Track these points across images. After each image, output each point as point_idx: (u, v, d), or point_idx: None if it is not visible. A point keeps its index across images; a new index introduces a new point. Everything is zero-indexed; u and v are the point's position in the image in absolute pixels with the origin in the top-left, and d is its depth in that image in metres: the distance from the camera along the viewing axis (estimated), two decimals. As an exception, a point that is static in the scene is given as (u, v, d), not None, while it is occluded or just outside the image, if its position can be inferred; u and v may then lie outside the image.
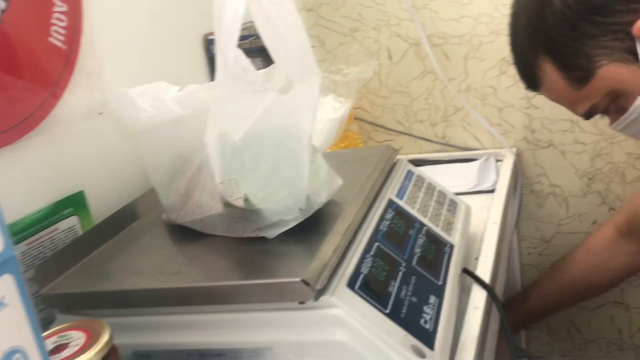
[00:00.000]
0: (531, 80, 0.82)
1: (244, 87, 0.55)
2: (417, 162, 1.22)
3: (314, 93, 0.58)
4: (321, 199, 0.61)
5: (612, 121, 0.78)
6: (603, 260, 1.04)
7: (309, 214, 0.59)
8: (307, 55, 0.58)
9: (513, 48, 0.83)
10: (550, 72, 0.77)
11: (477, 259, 0.79)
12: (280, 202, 0.58)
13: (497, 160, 1.19)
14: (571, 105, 0.80)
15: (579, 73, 0.74)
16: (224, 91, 0.54)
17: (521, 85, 1.17)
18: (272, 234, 0.58)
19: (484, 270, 0.74)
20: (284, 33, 0.57)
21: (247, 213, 0.58)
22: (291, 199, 0.58)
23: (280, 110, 0.58)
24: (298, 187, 0.58)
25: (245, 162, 0.57)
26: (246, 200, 0.56)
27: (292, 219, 0.58)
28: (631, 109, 0.72)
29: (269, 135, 0.58)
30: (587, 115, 0.79)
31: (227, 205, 0.57)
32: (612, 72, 0.71)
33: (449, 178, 1.13)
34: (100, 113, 0.75)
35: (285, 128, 0.59)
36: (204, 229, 0.63)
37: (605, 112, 0.78)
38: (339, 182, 0.65)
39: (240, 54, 0.54)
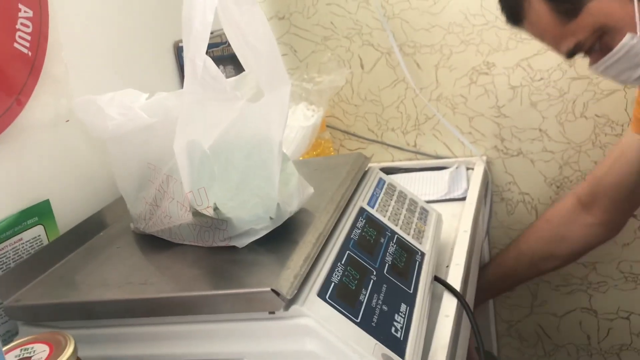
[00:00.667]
0: (515, 12, 0.79)
1: (214, 95, 0.55)
2: (389, 170, 1.23)
3: (284, 101, 0.57)
4: (292, 207, 0.61)
5: (594, 61, 0.76)
6: (562, 231, 1.04)
7: (280, 222, 0.59)
8: (277, 64, 0.57)
9: None
10: (537, 4, 0.74)
11: (448, 266, 0.79)
12: (251, 211, 0.57)
13: (468, 169, 1.20)
14: (555, 42, 0.77)
15: (567, 6, 0.71)
16: (193, 99, 0.54)
17: (491, 95, 1.20)
18: (242, 243, 0.57)
19: (455, 278, 0.75)
20: (254, 41, 0.57)
21: (217, 222, 0.57)
22: (261, 207, 0.58)
23: (250, 119, 0.58)
24: (268, 196, 0.58)
25: (214, 171, 0.57)
26: (216, 209, 0.55)
27: (263, 228, 0.58)
28: (618, 46, 0.70)
29: (239, 144, 0.58)
30: (570, 54, 0.76)
31: (197, 214, 0.56)
32: (602, 6, 0.69)
33: (420, 186, 1.15)
34: (67, 121, 0.74)
35: (255, 136, 0.58)
36: (173, 238, 0.63)
37: (588, 51, 0.76)
38: (310, 190, 0.65)
39: (210, 62, 0.53)
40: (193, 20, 0.52)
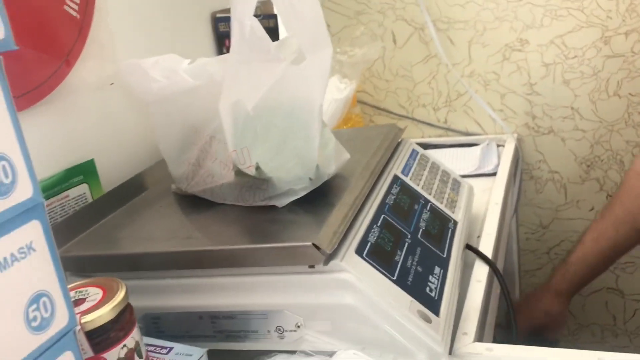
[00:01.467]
0: None
1: (259, 56, 0.56)
2: (420, 146, 1.23)
3: (326, 64, 0.59)
4: (330, 170, 0.62)
5: None
6: None
7: (319, 183, 0.61)
8: (320, 27, 0.58)
9: None
10: None
11: (479, 237, 0.80)
12: (291, 171, 0.59)
13: (499, 146, 1.21)
14: None
15: None
16: (239, 59, 0.55)
17: (524, 72, 1.19)
18: (282, 202, 0.59)
19: (486, 247, 0.76)
20: (298, 4, 0.58)
21: (258, 182, 0.59)
22: (301, 168, 0.59)
23: (291, 81, 0.59)
24: (308, 157, 0.59)
25: (257, 131, 0.58)
26: (257, 168, 0.57)
27: (302, 188, 0.59)
28: None
29: (280, 105, 0.59)
30: None
31: (239, 173, 0.58)
32: None
33: (451, 161, 1.15)
34: (112, 84, 0.76)
35: (296, 98, 0.60)
36: (215, 198, 0.64)
37: None
38: (347, 155, 0.66)
39: (256, 23, 0.55)
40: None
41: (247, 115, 0.58)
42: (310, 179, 0.60)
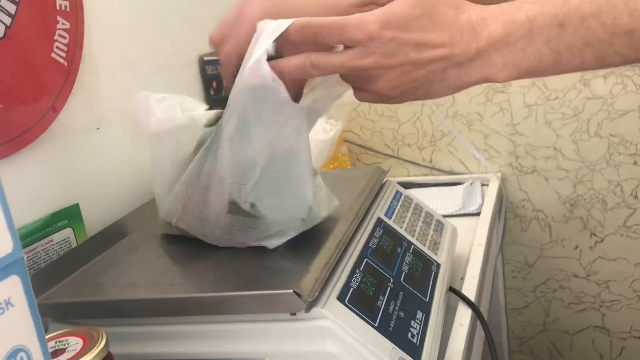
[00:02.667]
0: None
1: (270, 112, 0.57)
2: (405, 185, 1.24)
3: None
4: (322, 213, 0.63)
5: None
6: None
7: (310, 225, 0.61)
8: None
9: None
10: None
11: (462, 278, 0.81)
12: (284, 211, 0.60)
13: (483, 185, 1.22)
14: None
15: None
16: (252, 111, 0.56)
17: (506, 113, 1.22)
18: (272, 244, 0.60)
19: (470, 290, 0.76)
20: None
21: (249, 221, 0.60)
22: (295, 209, 0.60)
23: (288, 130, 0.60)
24: (302, 199, 0.60)
25: (256, 174, 0.58)
26: (253, 205, 0.58)
27: (294, 229, 0.60)
28: None
29: (277, 152, 0.60)
30: None
31: (233, 207, 0.59)
32: None
33: (435, 201, 1.17)
34: (98, 128, 0.77)
35: (291, 146, 0.60)
36: (205, 237, 0.64)
37: None
38: (336, 202, 0.67)
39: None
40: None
41: (250, 157, 0.58)
42: (302, 219, 0.60)
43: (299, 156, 0.59)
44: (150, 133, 0.65)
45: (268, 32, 0.53)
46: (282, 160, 0.59)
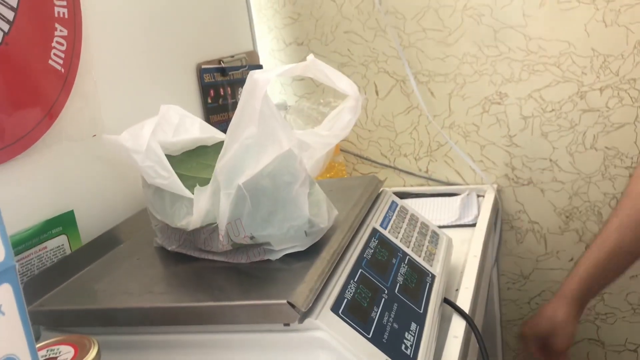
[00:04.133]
0: None
1: (268, 139, 0.57)
2: (401, 195, 1.24)
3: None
4: (324, 224, 0.62)
5: None
6: None
7: (316, 239, 0.61)
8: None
9: None
10: None
11: (457, 290, 0.81)
12: (285, 232, 0.59)
13: (479, 196, 1.22)
14: None
15: None
16: (249, 137, 0.56)
17: (503, 124, 1.22)
18: (276, 256, 0.60)
19: (464, 301, 0.76)
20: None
21: (253, 246, 0.60)
22: (294, 228, 0.60)
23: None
24: (300, 215, 0.60)
25: (246, 205, 0.58)
26: (252, 238, 0.58)
27: (301, 245, 0.60)
28: None
29: (264, 178, 0.60)
30: None
31: (235, 244, 0.59)
32: None
33: (431, 211, 1.17)
34: (94, 135, 0.77)
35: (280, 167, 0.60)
36: (204, 256, 0.64)
37: None
38: (335, 212, 0.67)
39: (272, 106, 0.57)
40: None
41: (239, 189, 0.58)
42: (305, 232, 0.60)
43: (291, 184, 0.59)
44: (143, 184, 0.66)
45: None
46: (271, 185, 0.59)
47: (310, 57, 0.61)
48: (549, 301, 0.99)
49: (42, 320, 0.61)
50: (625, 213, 0.96)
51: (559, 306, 0.96)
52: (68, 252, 0.72)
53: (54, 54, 0.70)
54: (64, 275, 0.66)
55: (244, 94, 0.58)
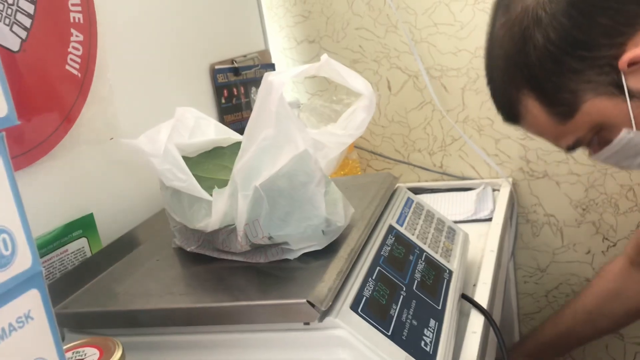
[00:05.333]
0: (511, 114, 0.80)
1: (285, 139, 0.58)
2: (415, 191, 1.24)
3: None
4: (341, 222, 0.63)
5: (594, 152, 0.77)
6: (616, 287, 1.03)
7: (333, 237, 0.62)
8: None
9: (490, 82, 0.82)
10: (532, 107, 0.75)
11: (475, 285, 0.81)
12: (303, 231, 0.60)
13: (494, 190, 1.22)
14: (555, 139, 0.78)
15: (563, 108, 0.72)
16: (266, 139, 0.57)
17: (517, 117, 1.21)
18: (295, 255, 0.60)
19: (482, 296, 0.76)
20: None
21: (271, 246, 0.60)
22: (312, 227, 0.60)
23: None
24: (317, 215, 0.60)
25: (266, 204, 0.59)
26: (270, 238, 0.59)
27: (318, 244, 0.61)
28: (615, 141, 0.72)
29: (281, 178, 0.60)
30: (571, 148, 0.78)
31: (253, 245, 0.60)
32: (597, 106, 0.70)
33: (447, 206, 1.16)
34: (111, 138, 0.78)
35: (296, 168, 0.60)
36: (223, 256, 0.65)
37: (588, 144, 0.77)
38: (352, 209, 0.67)
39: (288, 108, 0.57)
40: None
41: (256, 190, 0.58)
42: (322, 231, 0.61)
43: (307, 184, 0.59)
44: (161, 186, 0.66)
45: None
46: (287, 186, 0.59)
47: (324, 57, 0.61)
48: (514, 345, 1.14)
49: (66, 323, 0.62)
50: (581, 303, 1.07)
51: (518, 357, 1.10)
52: (88, 254, 0.73)
53: (71, 59, 0.70)
54: (86, 277, 0.67)
55: (260, 96, 0.58)
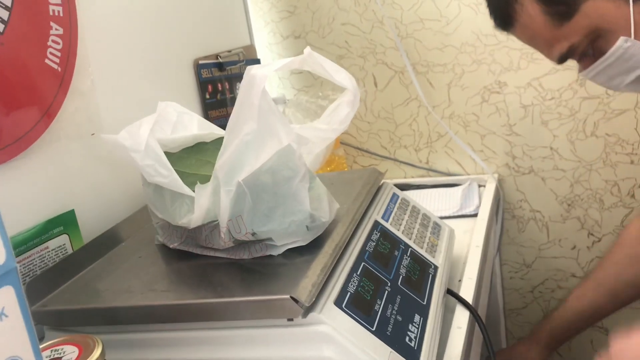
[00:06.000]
0: (505, 15, 0.76)
1: (268, 132, 0.57)
2: (402, 187, 1.24)
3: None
4: (325, 218, 0.62)
5: (585, 67, 0.74)
6: (637, 252, 0.97)
7: (317, 233, 0.61)
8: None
9: None
10: (529, 5, 0.71)
11: (460, 280, 0.81)
12: (287, 227, 0.59)
13: (480, 186, 1.22)
14: (547, 46, 0.75)
15: (562, 7, 0.69)
16: (248, 133, 0.56)
17: (503, 113, 1.22)
18: (279, 251, 0.60)
19: (467, 292, 0.76)
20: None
21: (254, 242, 0.60)
22: (296, 223, 0.60)
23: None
24: (301, 210, 0.60)
25: (247, 201, 0.58)
26: (254, 234, 0.58)
27: (302, 240, 0.60)
28: (611, 50, 0.69)
29: (266, 170, 0.60)
30: (562, 58, 0.74)
31: (237, 241, 0.59)
32: (598, 8, 0.67)
33: (432, 202, 1.16)
34: (92, 134, 0.76)
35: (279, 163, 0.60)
36: (206, 252, 0.64)
37: (580, 57, 0.74)
38: (336, 205, 0.67)
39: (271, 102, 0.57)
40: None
41: (239, 186, 0.58)
42: (307, 226, 0.60)
43: (291, 179, 0.59)
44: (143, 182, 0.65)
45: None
46: (270, 181, 0.58)
47: (307, 50, 0.61)
48: (524, 340, 1.07)
49: (46, 320, 0.61)
50: (603, 274, 1.01)
51: (532, 347, 1.03)
52: (70, 251, 0.72)
53: (50, 53, 0.69)
54: (66, 274, 0.66)
55: (242, 90, 0.57)
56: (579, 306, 1.02)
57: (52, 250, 0.70)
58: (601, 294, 1.00)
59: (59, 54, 0.70)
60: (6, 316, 0.35)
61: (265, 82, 0.55)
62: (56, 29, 0.70)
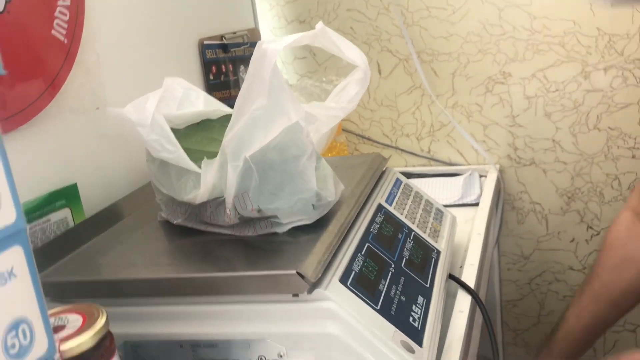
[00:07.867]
0: None
1: (276, 109, 0.56)
2: (403, 175, 1.24)
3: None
4: (331, 197, 0.62)
5: None
6: (629, 252, 0.92)
7: (323, 212, 0.61)
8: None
9: None
10: None
11: (461, 267, 0.81)
12: (293, 205, 0.59)
13: (481, 176, 1.22)
14: None
15: None
16: (258, 108, 0.55)
17: (506, 104, 1.22)
18: (284, 228, 0.59)
19: (469, 277, 0.76)
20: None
21: (260, 219, 0.59)
22: (302, 201, 0.59)
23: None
24: (307, 188, 0.59)
25: (254, 178, 0.58)
26: (259, 211, 0.57)
27: (308, 218, 0.60)
28: None
29: (273, 147, 0.59)
30: None
31: (242, 218, 0.59)
32: None
33: (434, 191, 1.16)
34: (97, 108, 0.76)
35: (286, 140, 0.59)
36: (210, 229, 0.64)
37: None
38: (341, 186, 0.66)
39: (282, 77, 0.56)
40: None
41: (246, 162, 0.57)
42: (312, 205, 0.60)
43: (298, 157, 0.58)
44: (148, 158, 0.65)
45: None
46: (278, 158, 0.58)
47: (320, 24, 0.60)
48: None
49: (48, 292, 0.59)
50: (599, 281, 0.95)
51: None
52: (71, 225, 0.71)
53: (57, 24, 0.68)
54: (68, 247, 0.65)
55: (252, 64, 0.57)
56: (582, 323, 0.96)
57: (54, 223, 0.69)
58: (601, 307, 0.95)
59: (65, 25, 0.70)
60: (15, 276, 0.34)
61: (276, 57, 0.55)
62: (63, 0, 0.69)
